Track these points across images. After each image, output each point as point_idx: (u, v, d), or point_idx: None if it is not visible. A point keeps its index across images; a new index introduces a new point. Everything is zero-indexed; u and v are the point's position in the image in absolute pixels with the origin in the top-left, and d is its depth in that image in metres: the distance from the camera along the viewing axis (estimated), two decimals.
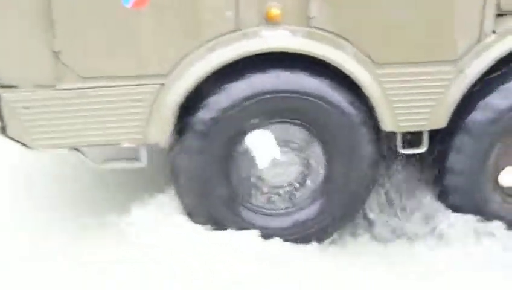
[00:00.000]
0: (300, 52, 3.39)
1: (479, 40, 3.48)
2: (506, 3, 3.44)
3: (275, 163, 3.73)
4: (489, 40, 3.49)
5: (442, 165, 3.78)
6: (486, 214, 3.82)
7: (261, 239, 3.77)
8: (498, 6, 3.46)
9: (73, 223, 3.97)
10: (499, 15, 3.49)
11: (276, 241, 3.82)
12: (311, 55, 3.39)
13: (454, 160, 3.71)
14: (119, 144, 3.53)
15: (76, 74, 3.33)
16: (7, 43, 3.24)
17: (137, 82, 3.37)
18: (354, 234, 4.14)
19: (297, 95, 3.50)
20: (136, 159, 3.62)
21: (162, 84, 3.38)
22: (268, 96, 3.47)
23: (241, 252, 3.73)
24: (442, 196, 3.83)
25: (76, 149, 3.60)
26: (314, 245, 3.89)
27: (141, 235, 3.74)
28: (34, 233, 3.94)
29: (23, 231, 3.97)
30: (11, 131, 3.40)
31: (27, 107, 3.34)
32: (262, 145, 3.63)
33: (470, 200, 3.79)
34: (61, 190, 4.48)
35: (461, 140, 3.68)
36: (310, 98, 3.50)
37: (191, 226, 3.83)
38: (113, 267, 3.48)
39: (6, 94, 3.32)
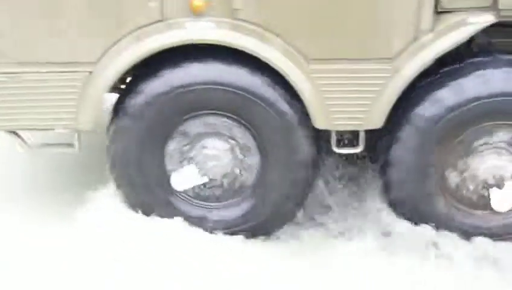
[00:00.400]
0: (223, 44, 3.34)
1: (415, 39, 3.32)
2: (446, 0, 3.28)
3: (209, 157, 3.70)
4: (426, 38, 3.32)
5: (386, 158, 3.63)
6: (428, 212, 3.63)
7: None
8: (437, 3, 3.28)
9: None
10: (438, 12, 3.31)
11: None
12: (234, 47, 3.33)
13: (398, 153, 3.56)
14: (53, 129, 3.58)
15: (11, 58, 3.41)
16: None
17: (67, 69, 3.42)
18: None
19: (231, 89, 3.45)
20: (70, 145, 3.66)
21: (91, 72, 3.41)
22: (202, 86, 3.44)
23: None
24: (385, 190, 3.68)
25: (14, 133, 3.68)
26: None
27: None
28: None
29: None
30: None
31: None
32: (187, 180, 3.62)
33: (412, 196, 3.63)
34: None
35: (406, 133, 3.51)
36: (243, 93, 3.45)
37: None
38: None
39: None
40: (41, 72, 3.45)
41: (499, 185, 3.60)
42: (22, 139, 3.72)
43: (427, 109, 3.46)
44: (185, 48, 3.39)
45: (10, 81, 3.47)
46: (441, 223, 3.67)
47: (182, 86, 3.45)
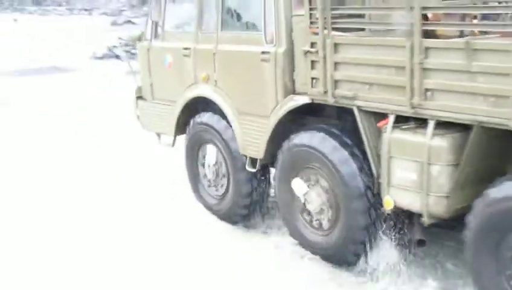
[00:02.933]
0: None
1: (276, 104, 5.91)
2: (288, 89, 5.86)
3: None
4: (279, 105, 5.88)
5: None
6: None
7: None
8: (286, 88, 5.83)
9: None
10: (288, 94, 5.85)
11: None
12: None
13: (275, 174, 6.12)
14: None
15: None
16: None
17: None
18: None
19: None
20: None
21: None
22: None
23: None
24: None
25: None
26: None
27: None
28: None
29: None
30: None
31: None
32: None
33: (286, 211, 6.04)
34: None
35: (278, 159, 6.04)
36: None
37: None
38: None
39: None
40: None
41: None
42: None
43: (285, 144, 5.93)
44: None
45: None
46: None
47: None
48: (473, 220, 4.61)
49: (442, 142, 4.71)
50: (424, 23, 4.65)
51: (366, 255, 5.56)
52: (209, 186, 7.13)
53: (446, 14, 4.96)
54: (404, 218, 5.33)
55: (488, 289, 4.64)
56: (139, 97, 7.82)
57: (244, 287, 5.63)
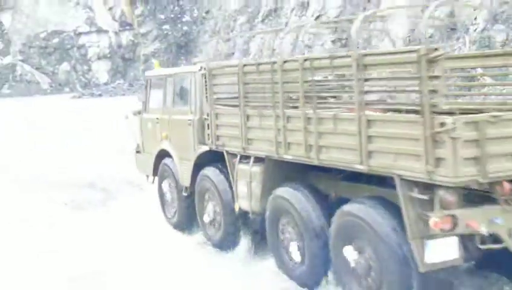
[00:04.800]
0: None
1: (194, 151, 9.78)
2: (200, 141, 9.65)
3: None
4: (195, 152, 9.74)
5: None
6: None
7: None
8: (200, 141, 9.69)
9: None
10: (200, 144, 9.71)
11: None
12: None
13: None
14: None
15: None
16: None
17: None
18: None
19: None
20: None
21: None
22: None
23: None
24: None
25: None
26: None
27: None
28: None
29: None
30: None
31: None
32: None
33: None
34: None
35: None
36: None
37: None
38: None
39: None
40: None
41: None
42: None
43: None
44: None
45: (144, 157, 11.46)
46: None
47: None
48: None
49: (257, 169, 8.37)
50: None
51: None
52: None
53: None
54: None
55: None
56: (138, 151, 11.91)
57: None
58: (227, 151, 9.01)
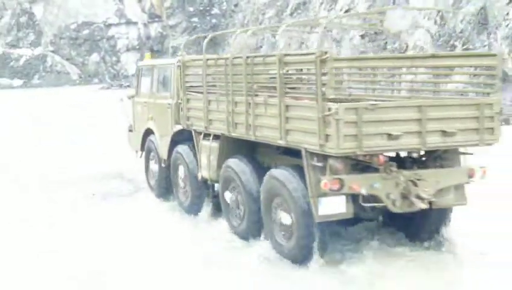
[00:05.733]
0: None
1: (172, 129, 11.72)
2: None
3: None
4: (172, 130, 11.69)
5: None
6: None
7: None
8: (176, 122, 11.63)
9: None
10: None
11: None
12: None
13: None
14: None
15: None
16: None
17: None
18: None
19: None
20: None
21: None
22: None
23: None
24: None
25: None
26: None
27: None
28: None
29: None
30: None
31: None
32: None
33: None
34: None
35: None
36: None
37: None
38: None
39: None
40: None
41: None
42: None
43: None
44: None
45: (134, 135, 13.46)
46: None
47: None
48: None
49: (215, 144, 10.27)
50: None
51: None
52: None
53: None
54: None
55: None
56: (130, 130, 13.89)
57: None
58: (194, 130, 10.94)
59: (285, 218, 8.51)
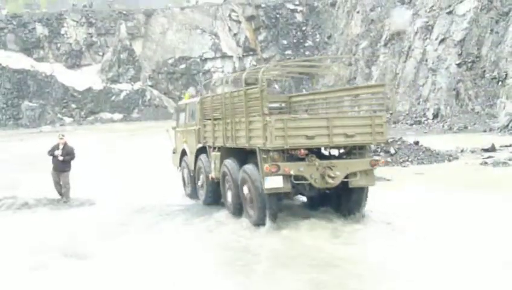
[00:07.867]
0: None
1: (195, 147, 16.68)
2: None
3: None
4: (196, 147, 16.65)
5: None
6: None
7: None
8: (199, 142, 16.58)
9: None
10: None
11: None
12: None
13: None
14: None
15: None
16: None
17: None
18: None
19: None
20: None
21: None
22: None
23: None
24: None
25: None
26: None
27: None
28: None
29: None
30: None
31: None
32: None
33: None
34: None
35: None
36: None
37: None
38: None
39: None
40: None
41: None
42: None
43: None
44: None
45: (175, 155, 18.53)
46: None
47: None
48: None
49: (218, 153, 15.07)
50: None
51: None
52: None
53: None
54: None
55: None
56: (173, 152, 18.89)
57: None
58: (208, 145, 15.79)
59: (248, 194, 13.22)
